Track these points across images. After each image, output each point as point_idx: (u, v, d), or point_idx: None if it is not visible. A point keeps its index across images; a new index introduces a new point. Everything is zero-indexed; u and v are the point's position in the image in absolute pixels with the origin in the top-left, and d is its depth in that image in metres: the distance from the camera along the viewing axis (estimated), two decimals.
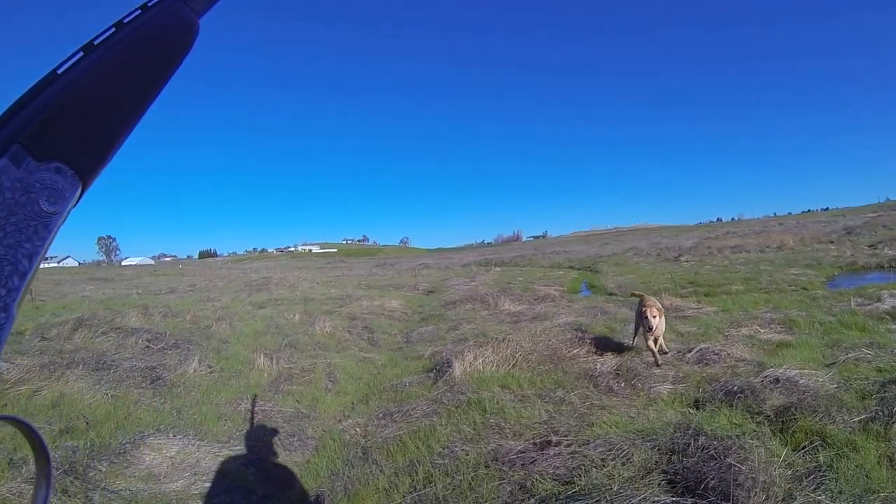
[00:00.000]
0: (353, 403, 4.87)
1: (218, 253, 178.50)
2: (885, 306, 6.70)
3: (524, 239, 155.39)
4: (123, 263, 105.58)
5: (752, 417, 3.31)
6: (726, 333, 5.83)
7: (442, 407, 4.16)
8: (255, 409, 4.36)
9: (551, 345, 5.51)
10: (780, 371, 3.99)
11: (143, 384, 4.57)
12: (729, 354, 4.84)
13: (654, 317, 4.68)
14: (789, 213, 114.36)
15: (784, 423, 3.15)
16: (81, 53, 0.39)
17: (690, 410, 3.62)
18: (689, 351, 5.06)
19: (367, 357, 6.54)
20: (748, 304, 7.96)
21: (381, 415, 4.33)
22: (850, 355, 4.43)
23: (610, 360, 5.04)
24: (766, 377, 3.93)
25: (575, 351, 5.35)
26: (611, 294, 11.88)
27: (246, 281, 17.34)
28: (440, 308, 10.41)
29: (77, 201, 0.35)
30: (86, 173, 0.35)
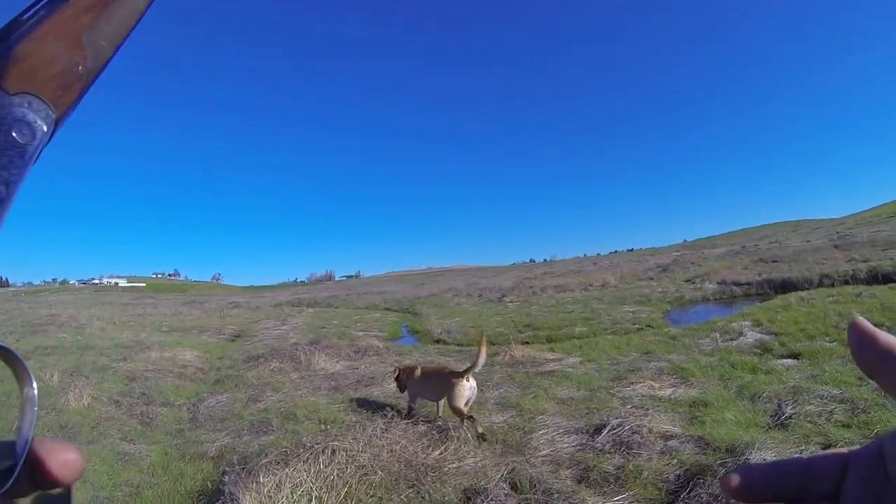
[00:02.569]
0: None
1: (10, 282, 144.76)
2: (750, 340, 6.47)
3: (337, 278, 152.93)
4: None
5: None
6: (617, 394, 4.71)
7: None
8: None
9: (400, 449, 3.54)
10: (755, 453, 2.90)
11: None
12: (651, 430, 3.55)
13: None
14: (598, 254, 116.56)
15: None
16: None
17: None
18: (597, 431, 3.67)
19: (130, 453, 4.47)
20: (609, 350, 7.09)
21: None
22: (790, 410, 3.59)
23: (488, 461, 3.40)
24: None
25: (437, 452, 3.50)
26: (439, 341, 10.58)
27: (27, 320, 13.72)
28: (242, 364, 8.49)
29: (52, 134, 0.33)
30: (58, 106, 0.33)
